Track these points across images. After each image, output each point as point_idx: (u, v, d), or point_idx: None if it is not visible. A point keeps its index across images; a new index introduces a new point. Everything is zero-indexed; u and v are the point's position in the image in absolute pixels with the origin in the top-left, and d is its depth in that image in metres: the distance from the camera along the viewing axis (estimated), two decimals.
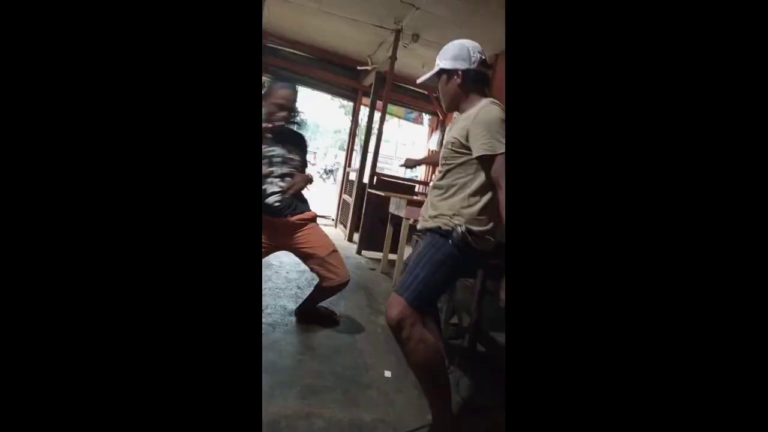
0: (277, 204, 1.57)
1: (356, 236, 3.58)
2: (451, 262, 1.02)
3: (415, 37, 3.33)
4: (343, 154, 5.01)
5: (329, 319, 1.78)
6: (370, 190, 3.10)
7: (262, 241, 1.58)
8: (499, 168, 0.99)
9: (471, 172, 1.04)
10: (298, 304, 1.89)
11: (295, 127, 1.70)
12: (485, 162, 1.01)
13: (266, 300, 1.92)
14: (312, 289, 1.78)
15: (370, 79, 4.15)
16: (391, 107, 4.88)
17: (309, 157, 1.84)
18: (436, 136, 4.95)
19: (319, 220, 1.79)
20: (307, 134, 1.76)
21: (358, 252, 3.39)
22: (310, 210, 1.69)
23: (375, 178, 3.41)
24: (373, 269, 2.94)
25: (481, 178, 1.03)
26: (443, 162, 1.10)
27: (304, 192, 1.70)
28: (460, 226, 1.02)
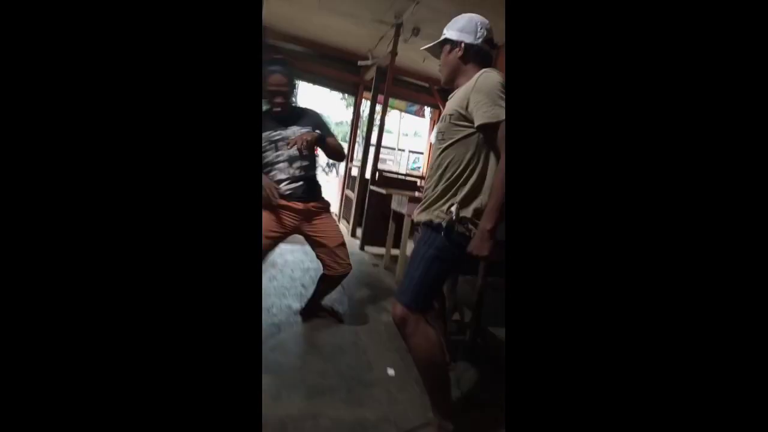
0: (289, 190, 1.57)
1: (359, 231, 3.61)
2: (444, 255, 1.03)
3: (416, 31, 3.30)
4: (344, 145, 5.00)
5: (333, 317, 1.83)
6: (372, 187, 3.11)
7: (276, 228, 1.57)
8: (503, 136, 0.94)
9: (471, 147, 1.01)
10: (302, 303, 1.93)
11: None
12: (487, 131, 0.98)
13: (271, 299, 1.97)
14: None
15: (371, 74, 4.13)
16: (392, 100, 4.87)
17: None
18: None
19: None
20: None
21: (361, 248, 3.42)
22: (323, 198, 1.71)
23: (377, 174, 3.42)
24: (377, 265, 2.98)
25: (482, 155, 1.01)
26: (440, 138, 1.07)
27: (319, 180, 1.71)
28: (453, 206, 1.00)
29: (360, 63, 4.09)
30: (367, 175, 3.57)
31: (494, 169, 1.00)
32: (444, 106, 1.15)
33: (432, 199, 1.06)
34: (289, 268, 2.48)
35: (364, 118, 4.58)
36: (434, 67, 1.20)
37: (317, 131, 1.55)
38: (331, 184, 6.86)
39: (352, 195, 3.99)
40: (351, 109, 4.94)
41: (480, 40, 1.08)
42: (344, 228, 4.33)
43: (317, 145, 1.56)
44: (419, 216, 1.10)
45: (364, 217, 3.44)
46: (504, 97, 0.95)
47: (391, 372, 1.46)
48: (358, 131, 5.15)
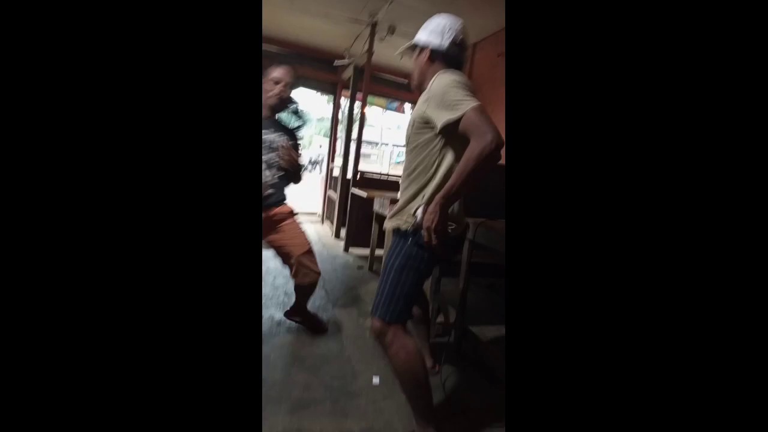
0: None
1: (343, 231, 3.59)
2: (414, 262, 1.02)
3: (392, 29, 3.27)
4: (327, 142, 4.97)
5: (317, 327, 1.79)
6: (353, 190, 3.09)
7: None
8: (468, 124, 0.90)
9: (436, 150, 1.00)
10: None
11: (293, 119, 1.66)
12: (447, 132, 0.96)
13: None
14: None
15: (349, 73, 4.09)
16: (372, 98, 4.84)
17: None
18: None
19: (305, 217, 1.77)
20: (288, 123, 1.69)
21: (346, 249, 3.40)
22: (285, 202, 1.64)
23: (358, 175, 3.39)
24: (361, 267, 2.96)
25: (448, 156, 1.00)
26: (407, 143, 1.08)
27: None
28: (419, 209, 0.98)
29: (336, 63, 4.04)
30: (350, 175, 3.55)
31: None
32: None
33: (400, 205, 1.07)
34: (270, 276, 2.45)
35: (343, 117, 4.54)
36: (411, 64, 1.16)
37: (291, 143, 1.59)
38: (314, 181, 6.80)
39: (335, 196, 3.96)
40: (332, 103, 4.89)
41: (447, 43, 1.07)
42: (328, 229, 4.30)
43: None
44: (388, 223, 1.10)
45: (348, 218, 3.42)
46: (462, 91, 0.93)
47: (376, 380, 1.46)
48: (339, 128, 5.12)
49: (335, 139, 5.05)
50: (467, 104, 0.91)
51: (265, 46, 4.03)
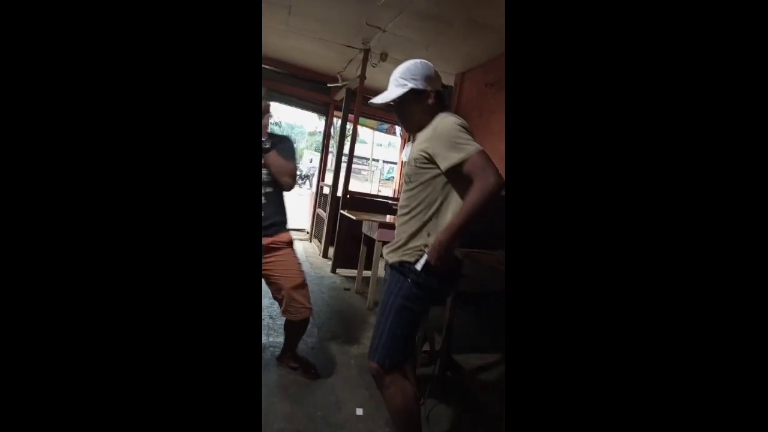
0: None
1: (331, 250, 3.59)
2: (412, 304, 1.03)
3: (384, 56, 3.37)
4: (318, 156, 4.99)
5: (308, 371, 1.64)
6: (342, 212, 3.11)
7: None
8: (471, 167, 0.96)
9: (438, 188, 1.03)
10: (270, 336, 1.88)
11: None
12: (453, 173, 1.00)
13: None
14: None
15: (341, 94, 4.16)
16: (363, 119, 4.91)
17: None
18: (409, 147, 5.01)
19: (293, 234, 1.63)
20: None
21: (333, 270, 3.39)
22: (287, 230, 1.55)
23: (348, 195, 3.42)
24: (348, 289, 2.96)
25: (451, 194, 1.03)
26: (408, 180, 1.09)
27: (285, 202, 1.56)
28: (425, 248, 1.01)
29: (330, 85, 4.11)
30: (339, 193, 3.57)
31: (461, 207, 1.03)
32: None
33: (402, 239, 1.07)
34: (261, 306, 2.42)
35: (335, 132, 4.59)
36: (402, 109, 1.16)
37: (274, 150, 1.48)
38: (303, 197, 6.79)
39: (324, 214, 3.96)
40: (324, 120, 4.96)
41: (440, 86, 1.11)
42: (316, 248, 4.28)
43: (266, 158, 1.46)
44: (389, 256, 1.10)
45: (336, 239, 3.42)
46: (463, 136, 0.98)
47: (359, 411, 1.44)
48: (330, 146, 5.17)
49: (326, 156, 5.09)
50: (472, 147, 0.97)
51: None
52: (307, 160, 15.39)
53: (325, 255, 3.85)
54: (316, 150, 17.16)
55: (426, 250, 1.01)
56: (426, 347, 1.90)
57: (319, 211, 4.40)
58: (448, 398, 1.59)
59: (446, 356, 1.74)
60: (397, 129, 5.78)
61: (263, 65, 4.10)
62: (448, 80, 3.62)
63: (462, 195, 1.03)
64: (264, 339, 1.89)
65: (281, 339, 1.76)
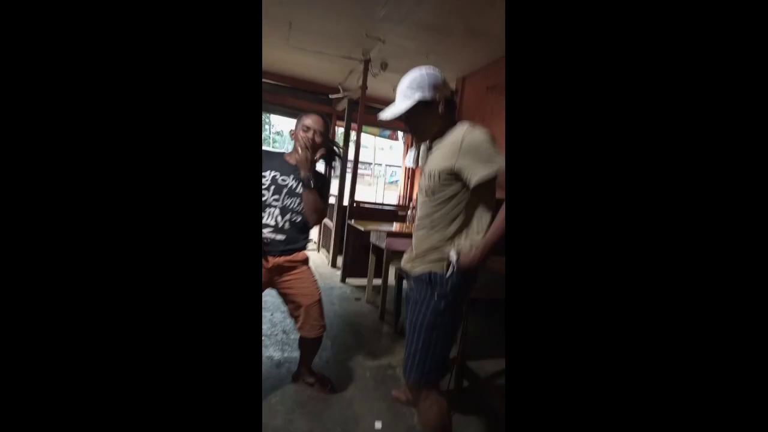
0: (267, 239, 1.44)
1: (339, 260, 3.60)
2: (443, 320, 1.01)
3: (384, 66, 3.40)
4: (321, 163, 5.00)
5: (325, 387, 1.65)
6: (349, 222, 3.12)
7: None
8: (504, 177, 0.95)
9: (464, 202, 1.02)
10: (285, 352, 1.89)
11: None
12: (482, 187, 0.98)
13: None
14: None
15: (343, 104, 4.20)
16: (366, 127, 4.94)
17: None
18: (412, 152, 5.03)
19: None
20: (283, 145, 1.61)
21: (342, 280, 3.40)
22: (304, 248, 1.55)
23: (354, 205, 3.44)
24: (358, 299, 2.96)
25: (477, 207, 1.03)
26: (430, 194, 1.05)
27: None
28: (455, 257, 0.99)
29: (331, 96, 4.15)
30: (346, 201, 3.58)
31: (487, 217, 1.03)
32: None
33: (423, 250, 1.05)
34: (268, 312, 2.43)
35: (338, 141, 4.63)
36: (411, 118, 1.13)
37: (314, 179, 1.47)
38: None
39: (331, 224, 3.98)
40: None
41: (449, 93, 1.08)
42: (324, 258, 4.30)
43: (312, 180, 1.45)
44: (412, 266, 1.07)
45: (344, 249, 3.44)
46: (492, 149, 0.97)
47: (378, 425, 1.45)
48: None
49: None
50: (501, 159, 0.96)
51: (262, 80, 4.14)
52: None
53: (333, 264, 3.87)
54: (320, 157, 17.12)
55: (453, 260, 0.99)
56: None
57: (326, 220, 4.42)
58: (465, 408, 1.59)
59: (461, 364, 1.74)
60: (400, 134, 5.81)
61: (267, 80, 4.16)
62: (444, 75, 3.64)
63: (487, 207, 1.03)
64: (279, 354, 1.90)
65: (296, 354, 1.77)
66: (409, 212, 3.13)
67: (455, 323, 1.07)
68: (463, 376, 1.73)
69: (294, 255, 1.52)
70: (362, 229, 2.67)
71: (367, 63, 3.31)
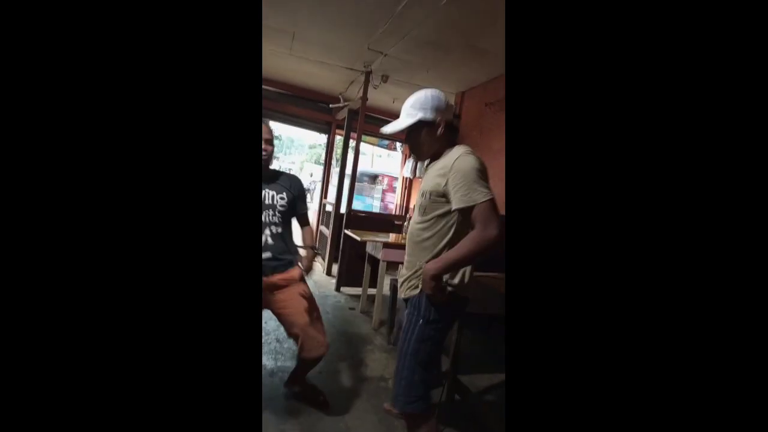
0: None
1: (335, 269, 3.60)
2: (425, 345, 1.05)
3: (385, 78, 3.45)
4: (319, 169, 5.04)
5: (317, 402, 1.61)
6: (346, 231, 3.14)
7: None
8: (478, 214, 0.98)
9: (451, 222, 1.06)
10: (278, 361, 1.88)
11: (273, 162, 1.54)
12: (464, 212, 1.02)
13: None
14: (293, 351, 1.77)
15: (343, 114, 4.24)
16: (364, 136, 4.99)
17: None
18: (410, 163, 5.07)
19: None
20: (281, 150, 1.60)
21: (337, 289, 3.40)
22: (297, 265, 1.49)
23: (351, 213, 3.45)
24: (353, 309, 2.97)
25: (462, 229, 1.05)
26: (422, 212, 1.10)
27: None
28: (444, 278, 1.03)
29: (332, 106, 4.19)
30: (343, 209, 3.60)
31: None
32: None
33: (413, 272, 1.10)
34: (262, 320, 2.43)
35: (336, 147, 4.65)
36: (413, 137, 1.17)
37: (290, 194, 1.47)
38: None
39: (327, 232, 3.99)
40: (326, 135, 5.02)
41: (451, 116, 1.13)
42: (319, 266, 4.30)
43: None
44: (401, 290, 1.12)
45: (340, 258, 3.44)
46: (480, 181, 1.00)
47: None
48: (333, 163, 5.23)
49: (329, 173, 5.15)
50: (483, 195, 0.98)
51: (264, 87, 4.18)
52: (308, 174, 15.47)
53: (328, 273, 3.87)
54: (316, 162, 17.24)
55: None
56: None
57: (322, 228, 4.43)
58: (457, 423, 1.60)
59: (453, 378, 1.75)
60: (398, 145, 5.86)
61: (268, 87, 4.19)
62: (448, 99, 3.69)
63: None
64: (272, 363, 1.90)
65: (289, 363, 1.77)
66: (405, 223, 3.15)
67: (435, 349, 1.09)
68: (454, 391, 1.74)
69: (287, 272, 1.45)
70: (359, 238, 2.68)
71: (368, 74, 3.35)
